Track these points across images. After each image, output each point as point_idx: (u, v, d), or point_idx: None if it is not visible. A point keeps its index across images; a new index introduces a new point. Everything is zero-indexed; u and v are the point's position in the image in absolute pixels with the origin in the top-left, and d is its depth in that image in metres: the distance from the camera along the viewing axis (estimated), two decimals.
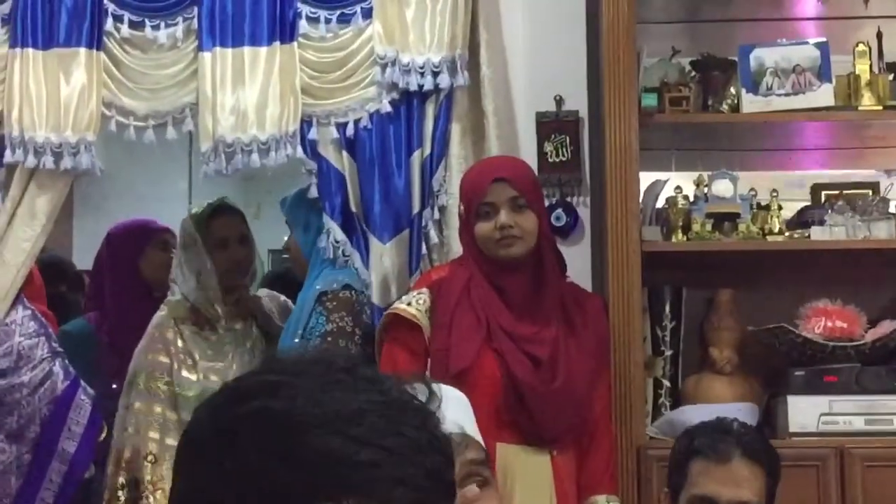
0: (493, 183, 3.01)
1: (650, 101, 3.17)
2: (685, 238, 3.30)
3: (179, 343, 3.53)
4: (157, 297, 3.73)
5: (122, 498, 3.39)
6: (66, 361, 3.55)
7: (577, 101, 3.40)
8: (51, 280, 4.06)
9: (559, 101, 3.38)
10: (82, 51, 3.36)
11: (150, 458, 3.38)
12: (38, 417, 3.50)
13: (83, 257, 4.82)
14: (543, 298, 3.02)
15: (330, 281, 3.42)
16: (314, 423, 1.06)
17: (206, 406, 1.14)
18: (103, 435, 3.50)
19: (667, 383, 3.40)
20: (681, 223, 3.32)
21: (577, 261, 3.33)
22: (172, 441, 3.36)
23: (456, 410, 1.60)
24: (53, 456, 3.49)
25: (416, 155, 3.37)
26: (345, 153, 3.42)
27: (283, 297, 3.84)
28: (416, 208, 3.39)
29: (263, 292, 3.87)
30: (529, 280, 3.03)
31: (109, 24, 3.39)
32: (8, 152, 3.42)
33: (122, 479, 3.40)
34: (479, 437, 1.76)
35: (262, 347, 3.57)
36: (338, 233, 3.40)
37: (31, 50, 3.38)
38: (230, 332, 3.56)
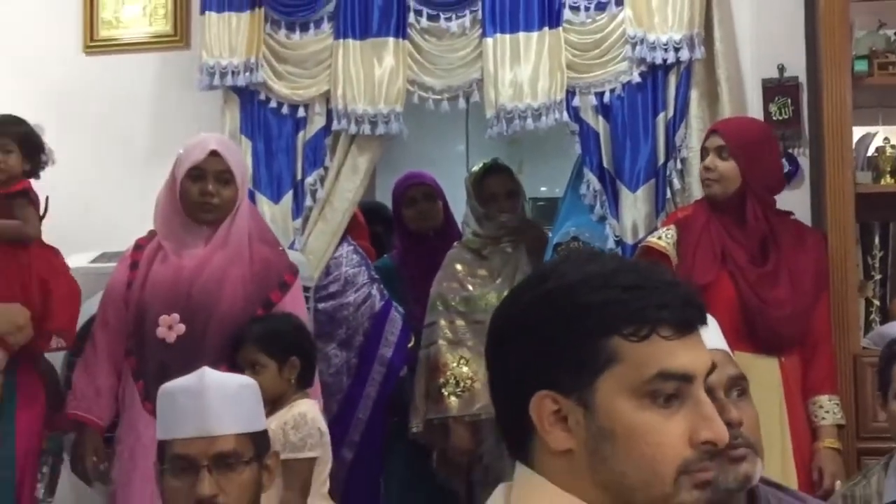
0: (711, 134, 3.25)
1: (861, 66, 3.34)
2: (893, 181, 3.48)
3: (465, 270, 3.91)
4: (436, 238, 4.16)
5: (434, 394, 3.81)
6: (382, 286, 4.00)
7: (797, 69, 3.61)
8: (370, 221, 4.41)
9: (781, 69, 3.59)
10: (391, 40, 3.81)
11: (453, 362, 3.78)
12: (361, 330, 3.94)
13: None
14: (760, 233, 3.17)
15: (563, 233, 3.75)
16: (584, 282, 1.21)
17: (503, 304, 1.31)
18: (411, 343, 3.94)
19: (876, 302, 3.54)
20: (889, 168, 3.48)
21: (799, 202, 3.53)
22: (467, 348, 3.82)
23: (716, 331, 1.68)
24: (374, 360, 3.93)
25: (661, 117, 3.66)
26: (601, 117, 3.74)
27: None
28: (660, 161, 3.67)
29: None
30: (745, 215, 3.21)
31: (412, 18, 3.81)
32: (335, 122, 3.86)
33: (440, 380, 3.78)
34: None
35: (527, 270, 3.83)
36: (595, 183, 3.73)
37: (350, 40, 3.83)
38: (504, 259, 3.90)
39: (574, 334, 1.19)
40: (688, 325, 1.20)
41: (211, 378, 2.11)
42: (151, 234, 3.27)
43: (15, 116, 3.33)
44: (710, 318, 1.58)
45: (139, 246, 3.26)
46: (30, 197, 3.26)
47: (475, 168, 4.11)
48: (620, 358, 1.18)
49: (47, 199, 3.32)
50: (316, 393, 3.21)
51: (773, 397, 3.05)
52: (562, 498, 1.21)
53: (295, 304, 3.26)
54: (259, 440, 2.14)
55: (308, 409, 2.96)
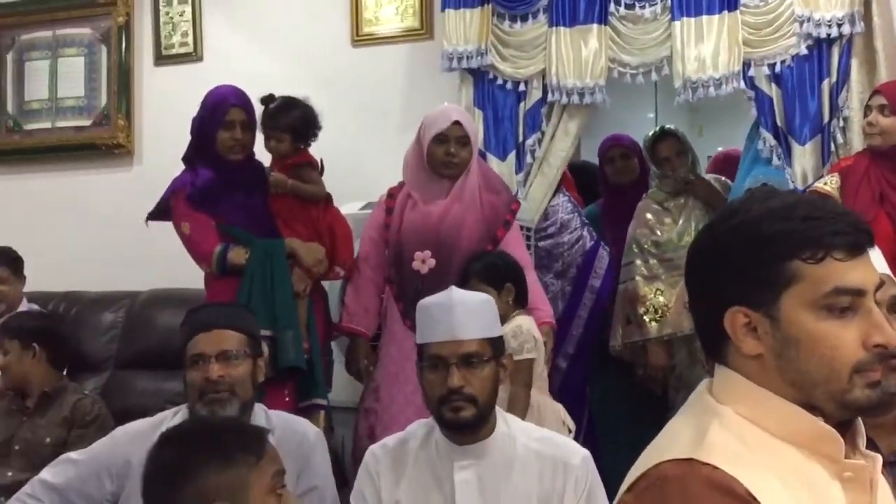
0: (875, 94, 3.43)
1: None
2: None
3: (654, 218, 4.19)
4: (632, 190, 4.35)
5: (635, 321, 4.08)
6: (591, 229, 4.26)
7: None
8: (576, 177, 4.60)
9: None
10: (595, 26, 4.12)
11: (650, 294, 4.09)
12: (574, 264, 4.20)
13: None
14: None
15: (754, 180, 3.89)
16: (768, 215, 1.26)
17: (700, 236, 1.36)
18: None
19: None
20: None
21: None
22: (661, 281, 4.11)
23: (879, 258, 1.66)
24: (585, 288, 4.19)
25: (825, 83, 3.86)
26: (773, 84, 3.95)
27: (724, 178, 4.37)
28: (825, 119, 3.85)
29: (710, 177, 4.41)
30: None
31: (612, 7, 4.11)
32: (549, 94, 4.20)
33: (641, 309, 4.05)
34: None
35: (700, 215, 4.08)
36: (770, 139, 3.92)
37: (562, 28, 4.16)
38: (681, 208, 4.16)
39: (761, 259, 1.25)
40: (858, 248, 1.25)
41: (458, 295, 2.29)
42: (400, 184, 3.63)
43: (287, 104, 3.67)
44: (878, 252, 1.54)
45: (391, 195, 3.60)
46: (311, 164, 3.72)
47: (647, 135, 4.32)
48: (801, 278, 1.24)
49: (322, 160, 3.73)
50: (543, 312, 3.51)
51: None
52: (758, 391, 1.27)
53: (516, 237, 3.61)
54: (496, 344, 2.30)
55: (524, 322, 3.26)
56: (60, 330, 3.67)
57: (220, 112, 3.51)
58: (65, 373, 3.66)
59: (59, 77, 5.16)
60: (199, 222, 3.42)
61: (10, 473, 2.99)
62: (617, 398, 4.25)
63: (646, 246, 4.20)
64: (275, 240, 3.51)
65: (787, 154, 3.94)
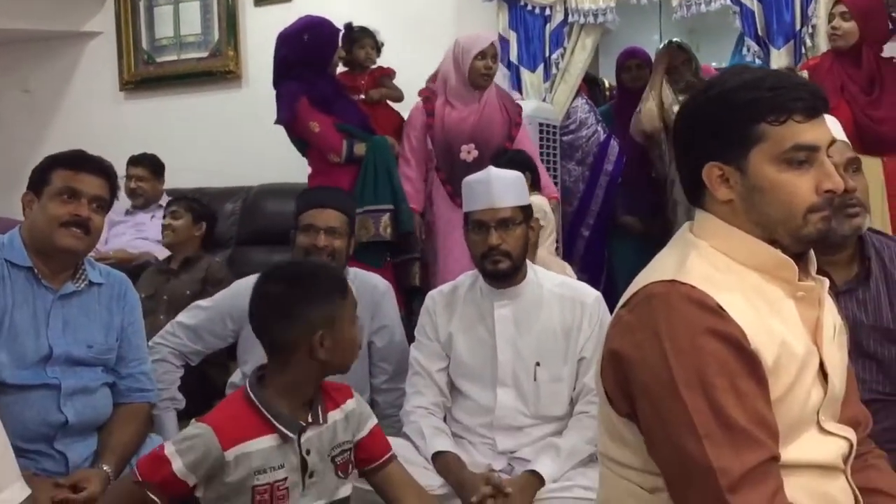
0: (837, 3, 3.27)
1: None
2: None
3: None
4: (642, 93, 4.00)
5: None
6: (604, 125, 4.19)
7: None
8: (589, 85, 4.54)
9: None
10: None
11: None
12: (591, 153, 4.18)
13: None
14: (870, 72, 3.21)
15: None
16: (741, 86, 1.23)
17: (685, 104, 1.33)
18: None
19: None
20: None
21: None
22: None
23: (839, 128, 1.66)
24: (601, 172, 4.14)
25: None
26: (756, 1, 3.83)
27: None
28: (798, 27, 3.76)
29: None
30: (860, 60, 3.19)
31: None
32: (570, 16, 4.15)
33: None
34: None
35: None
36: (753, 45, 3.84)
37: None
38: None
39: (734, 122, 1.22)
40: (815, 111, 1.22)
41: (494, 172, 2.26)
42: (428, 89, 3.54)
43: (362, 27, 3.70)
44: (835, 121, 1.60)
45: (427, 99, 3.51)
46: (391, 75, 3.73)
47: (660, 47, 4.12)
48: (766, 137, 1.21)
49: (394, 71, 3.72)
50: (550, 191, 3.52)
51: (877, 186, 3.09)
52: (729, 229, 1.26)
53: (526, 134, 3.60)
54: (526, 210, 2.26)
55: (536, 199, 3.05)
56: (216, 217, 3.79)
57: (335, 41, 3.52)
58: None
59: (181, 18, 5.15)
60: (325, 122, 3.40)
61: (162, 317, 3.09)
62: (624, 254, 4.15)
63: None
64: (383, 136, 3.53)
65: (766, 57, 3.83)
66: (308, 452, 1.65)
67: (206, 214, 3.65)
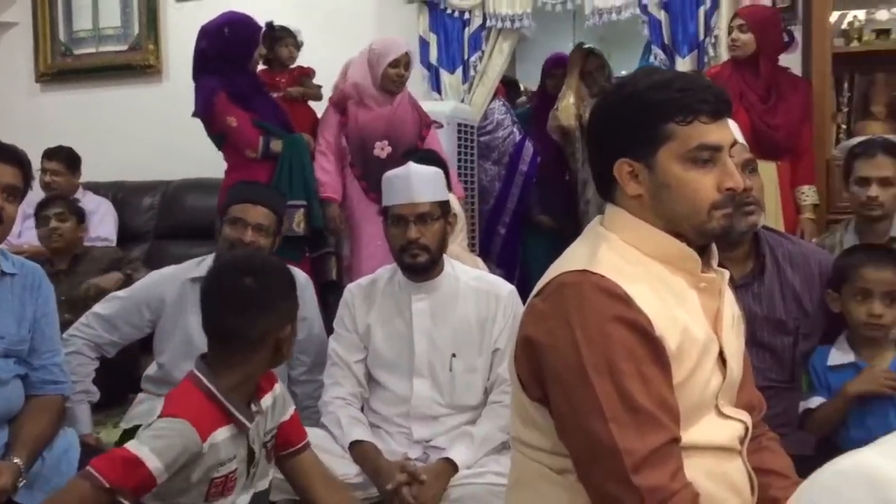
0: (735, 16, 3.30)
1: None
2: (858, 44, 3.58)
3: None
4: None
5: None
6: (520, 126, 4.21)
7: None
8: (506, 87, 4.60)
9: None
10: None
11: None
12: (507, 153, 4.23)
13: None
14: (767, 81, 3.23)
15: None
16: (650, 87, 1.24)
17: (597, 103, 1.32)
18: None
19: (844, 126, 3.70)
20: (856, 36, 3.59)
21: (794, 61, 3.57)
22: None
23: (738, 131, 1.69)
24: (516, 172, 4.22)
25: (701, 8, 3.79)
26: (662, 10, 3.86)
27: None
28: (701, 37, 3.80)
29: None
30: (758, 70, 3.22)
31: None
32: (488, 21, 4.08)
33: None
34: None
35: None
36: (660, 53, 3.82)
37: None
38: None
39: (644, 121, 1.23)
40: (719, 114, 1.23)
41: (414, 167, 2.21)
42: (339, 92, 3.51)
43: (283, 27, 3.69)
44: (734, 124, 1.61)
45: (338, 102, 3.49)
46: (310, 74, 3.73)
47: (574, 49, 4.21)
48: (674, 136, 1.22)
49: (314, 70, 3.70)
50: (458, 190, 3.50)
51: (771, 188, 3.17)
52: (638, 222, 1.27)
53: (435, 136, 3.61)
54: (444, 206, 2.23)
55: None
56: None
57: (256, 37, 3.43)
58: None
59: (100, 11, 4.98)
60: (242, 117, 3.33)
61: (66, 315, 2.95)
62: (538, 251, 4.17)
63: None
64: (300, 134, 3.50)
65: (672, 65, 3.85)
66: (253, 441, 1.63)
67: (83, 212, 3.54)
